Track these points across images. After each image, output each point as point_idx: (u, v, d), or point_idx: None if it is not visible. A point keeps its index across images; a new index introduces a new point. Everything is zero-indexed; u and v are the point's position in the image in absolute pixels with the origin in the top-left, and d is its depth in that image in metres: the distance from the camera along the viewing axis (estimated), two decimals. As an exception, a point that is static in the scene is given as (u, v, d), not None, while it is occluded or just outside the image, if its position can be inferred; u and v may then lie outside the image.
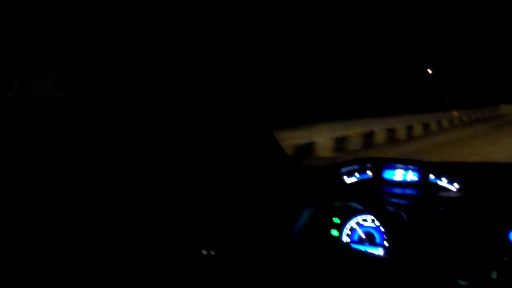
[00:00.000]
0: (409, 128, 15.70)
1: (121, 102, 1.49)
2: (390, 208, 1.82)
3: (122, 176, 1.58)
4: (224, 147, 1.83)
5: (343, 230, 1.96)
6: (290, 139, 9.51)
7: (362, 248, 1.89)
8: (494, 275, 1.58)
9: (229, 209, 1.83)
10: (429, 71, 31.76)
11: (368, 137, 12.91)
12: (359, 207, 1.92)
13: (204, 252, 1.59)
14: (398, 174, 2.06)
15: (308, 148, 10.47)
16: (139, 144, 1.62)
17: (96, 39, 1.14)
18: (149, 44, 1.32)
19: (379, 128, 13.87)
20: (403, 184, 2.04)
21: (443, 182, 1.96)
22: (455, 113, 19.96)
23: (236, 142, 1.86)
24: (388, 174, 2.08)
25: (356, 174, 2.12)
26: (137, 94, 1.44)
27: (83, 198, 1.48)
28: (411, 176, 2.04)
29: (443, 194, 1.94)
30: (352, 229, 1.95)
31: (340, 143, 11.84)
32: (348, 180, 2.12)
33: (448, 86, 30.75)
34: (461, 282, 1.62)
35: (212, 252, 1.58)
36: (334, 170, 2.13)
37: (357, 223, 1.94)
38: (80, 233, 1.46)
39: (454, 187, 1.93)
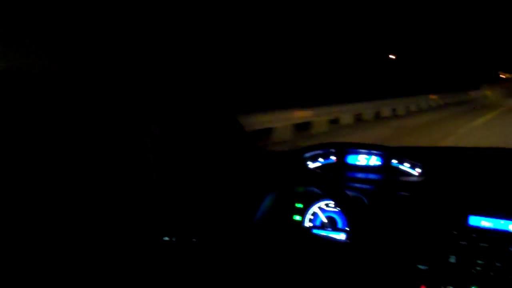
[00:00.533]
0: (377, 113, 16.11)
1: (73, 93, 1.47)
2: (352, 193, 1.84)
3: (74, 167, 1.56)
4: (182, 132, 1.82)
5: (305, 215, 1.98)
6: (251, 124, 9.47)
7: (324, 233, 1.91)
8: (452, 259, 1.62)
9: (190, 196, 1.82)
10: (392, 56, 32.23)
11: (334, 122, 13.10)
12: (321, 192, 1.92)
13: (166, 238, 1.60)
14: (362, 159, 2.09)
15: (267, 133, 10.51)
16: (87, 136, 1.60)
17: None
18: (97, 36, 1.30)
19: (346, 114, 14.22)
20: (366, 168, 2.07)
21: (405, 167, 2.00)
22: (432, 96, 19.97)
23: (195, 127, 1.85)
24: (351, 159, 2.10)
25: (320, 159, 2.13)
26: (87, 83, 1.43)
27: (36, 188, 1.46)
28: (374, 161, 2.06)
29: (405, 178, 1.97)
30: (314, 214, 1.97)
31: (301, 129, 11.94)
32: (312, 165, 2.14)
33: (414, 71, 31.15)
34: (420, 267, 1.65)
35: (174, 239, 1.58)
36: (298, 155, 2.14)
37: (320, 208, 1.96)
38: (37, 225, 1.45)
39: (416, 171, 1.97)
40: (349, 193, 1.83)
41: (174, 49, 1.75)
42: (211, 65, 1.98)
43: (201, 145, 1.91)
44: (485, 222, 1.62)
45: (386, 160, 2.05)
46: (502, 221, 1.60)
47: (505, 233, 1.59)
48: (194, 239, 1.61)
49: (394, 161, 2.03)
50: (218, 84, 1.94)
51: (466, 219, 1.65)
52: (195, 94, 1.83)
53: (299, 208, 1.99)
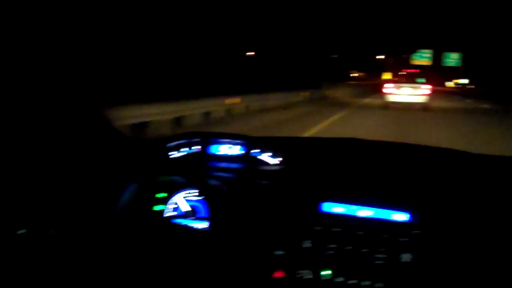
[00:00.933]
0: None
1: None
2: (214, 181, 1.89)
3: None
4: (37, 122, 1.74)
5: (167, 205, 1.98)
6: (127, 118, 9.66)
7: (186, 222, 1.92)
8: (307, 244, 1.71)
9: (45, 186, 1.74)
10: (251, 53, 32.95)
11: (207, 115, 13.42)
12: (184, 181, 1.96)
13: (22, 231, 1.52)
14: (224, 149, 2.14)
15: (145, 127, 10.58)
16: None
17: None
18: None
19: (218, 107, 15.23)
20: (228, 158, 2.12)
21: (266, 156, 2.08)
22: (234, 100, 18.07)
23: (52, 117, 1.78)
24: (214, 149, 2.15)
25: (184, 149, 2.15)
26: None
27: None
28: (236, 150, 2.13)
29: (265, 167, 2.06)
30: (177, 204, 1.97)
31: (178, 122, 12.23)
32: (176, 154, 2.15)
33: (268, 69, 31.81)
34: (277, 252, 1.72)
35: (26, 231, 1.51)
36: (161, 145, 2.14)
37: (183, 198, 1.97)
38: None
39: (276, 161, 2.06)
40: (212, 182, 1.88)
41: (38, 44, 1.69)
42: (79, 60, 1.94)
43: (58, 135, 1.84)
44: (337, 208, 1.73)
45: (247, 149, 2.12)
46: (352, 207, 1.72)
47: (354, 218, 1.71)
48: (52, 231, 1.56)
49: (255, 151, 2.11)
50: (84, 77, 1.89)
51: (320, 206, 1.74)
52: (53, 86, 1.77)
53: (162, 198, 1.98)
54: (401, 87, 21.31)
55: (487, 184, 1.82)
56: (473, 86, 79.83)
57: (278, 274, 1.70)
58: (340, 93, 33.59)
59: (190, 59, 21.12)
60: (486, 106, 27.74)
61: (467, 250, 1.59)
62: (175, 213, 1.97)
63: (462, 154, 2.13)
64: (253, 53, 33.27)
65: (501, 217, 1.63)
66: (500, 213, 1.64)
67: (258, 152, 2.11)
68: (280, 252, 1.72)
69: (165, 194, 1.98)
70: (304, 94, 25.37)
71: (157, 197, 1.97)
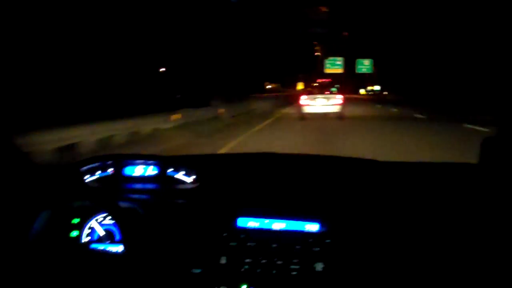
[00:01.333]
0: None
1: None
2: (127, 204, 1.88)
3: None
4: None
5: (83, 230, 1.97)
6: (51, 142, 9.50)
7: (102, 246, 1.91)
8: (223, 260, 1.74)
9: None
10: (163, 69, 32.56)
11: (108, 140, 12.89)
12: (96, 205, 1.94)
13: None
14: (138, 170, 2.15)
15: (71, 149, 10.33)
16: None
17: None
18: None
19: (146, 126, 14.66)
20: (143, 179, 2.14)
21: (180, 175, 2.11)
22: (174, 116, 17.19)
23: None
24: (128, 170, 2.16)
25: (97, 172, 2.15)
26: None
27: None
28: (151, 171, 2.15)
29: (181, 186, 2.08)
30: (92, 229, 1.96)
31: (104, 143, 11.89)
32: (89, 178, 2.14)
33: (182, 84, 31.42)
34: (195, 270, 1.74)
35: None
36: (74, 169, 2.12)
37: (98, 222, 1.96)
38: None
39: (191, 179, 2.09)
40: (125, 204, 1.87)
41: None
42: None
43: None
44: (252, 223, 1.78)
45: (162, 169, 2.14)
46: (266, 221, 1.78)
47: (269, 231, 1.77)
48: None
49: (170, 170, 2.13)
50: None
51: (235, 221, 1.79)
52: None
53: (76, 224, 1.97)
54: (315, 98, 21.96)
55: (393, 190, 1.94)
56: (386, 93, 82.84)
57: None
58: (241, 109, 27.34)
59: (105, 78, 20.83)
60: (395, 110, 29.75)
61: (375, 255, 1.68)
62: (89, 238, 1.95)
63: (369, 163, 2.26)
64: (164, 68, 32.98)
65: (407, 222, 1.73)
66: (406, 218, 1.75)
67: (173, 171, 2.13)
68: (198, 270, 1.75)
69: (78, 220, 1.96)
70: (175, 118, 17.27)
71: (73, 223, 1.96)
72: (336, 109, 21.54)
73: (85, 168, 2.13)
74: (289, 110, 29.40)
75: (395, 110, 29.95)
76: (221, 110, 22.51)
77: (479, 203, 1.74)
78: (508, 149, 1.61)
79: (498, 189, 1.69)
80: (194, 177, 2.10)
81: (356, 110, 27.85)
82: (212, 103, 23.62)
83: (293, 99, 35.93)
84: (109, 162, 2.17)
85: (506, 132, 1.64)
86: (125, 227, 1.71)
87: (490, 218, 1.66)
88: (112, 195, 1.96)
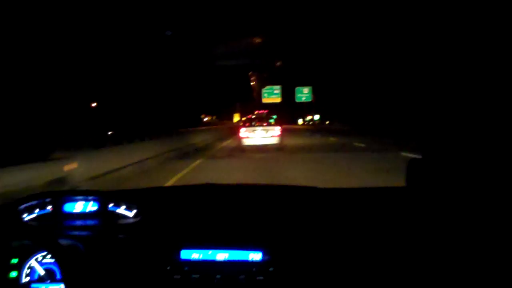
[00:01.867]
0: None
1: None
2: (68, 241, 1.88)
3: None
4: None
5: (22, 270, 1.95)
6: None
7: (43, 286, 1.90)
8: None
9: None
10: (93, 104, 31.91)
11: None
12: (34, 244, 1.92)
13: None
14: (79, 206, 2.15)
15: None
16: None
17: None
18: None
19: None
20: (84, 215, 2.13)
21: (121, 210, 2.13)
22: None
23: None
24: (68, 207, 2.15)
25: (36, 210, 2.13)
26: None
27: None
28: (91, 207, 2.15)
29: (122, 221, 2.10)
30: (32, 268, 1.95)
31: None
32: (28, 217, 2.12)
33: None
34: None
35: None
36: (12, 208, 2.10)
37: (38, 261, 1.95)
38: None
39: (132, 213, 2.11)
40: (65, 241, 1.87)
41: None
42: None
43: None
44: (196, 254, 1.82)
45: (102, 205, 2.14)
46: (209, 252, 1.82)
47: (212, 262, 1.81)
48: None
49: (111, 205, 2.14)
50: None
51: (179, 254, 1.83)
52: None
53: (15, 264, 1.94)
54: (254, 130, 22.28)
55: (332, 216, 2.03)
56: (328, 122, 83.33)
57: None
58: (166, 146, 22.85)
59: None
60: (333, 139, 30.36)
61: (317, 280, 1.74)
62: (28, 278, 1.94)
63: (309, 190, 2.36)
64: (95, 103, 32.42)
65: (346, 246, 1.82)
66: (345, 243, 1.83)
67: (114, 206, 2.14)
68: None
69: (17, 260, 1.94)
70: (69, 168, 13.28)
71: (11, 264, 1.93)
72: (274, 140, 21.92)
73: (23, 206, 2.11)
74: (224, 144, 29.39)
75: (333, 139, 30.55)
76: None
77: (407, 223, 1.85)
78: (432, 170, 1.73)
79: (424, 208, 1.81)
80: (135, 211, 2.11)
81: (295, 141, 28.23)
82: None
83: (230, 132, 36.06)
84: (48, 200, 2.15)
85: (429, 154, 1.77)
86: (65, 265, 1.69)
87: (418, 237, 1.76)
88: (52, 233, 1.94)
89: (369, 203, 2.15)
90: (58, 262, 1.71)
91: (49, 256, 1.94)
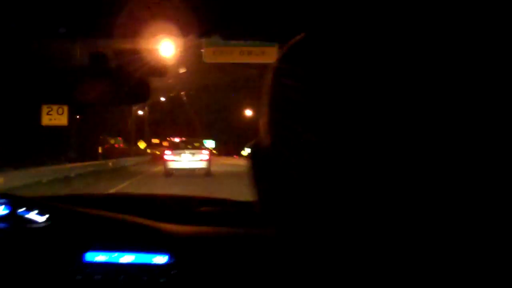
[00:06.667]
0: None
1: None
2: None
3: None
4: None
5: None
6: None
7: None
8: None
9: None
10: None
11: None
12: None
13: None
14: None
15: None
16: None
17: None
18: None
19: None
20: None
21: (32, 215, 2.24)
22: None
23: None
24: None
25: None
26: None
27: None
28: (1, 210, 2.25)
29: (33, 226, 2.22)
30: None
31: None
32: None
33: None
34: None
35: None
36: None
37: None
38: None
39: (43, 218, 2.23)
40: None
41: None
42: None
43: None
44: (100, 257, 2.00)
45: (12, 208, 2.26)
46: (114, 254, 2.00)
47: (116, 264, 2.00)
48: None
49: (20, 210, 2.25)
50: None
51: (82, 256, 2.00)
52: None
53: None
54: (180, 153, 22.61)
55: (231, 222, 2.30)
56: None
57: None
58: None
59: None
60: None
61: (220, 282, 1.97)
62: None
63: (219, 201, 2.67)
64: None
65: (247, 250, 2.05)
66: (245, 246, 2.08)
67: (24, 211, 2.25)
68: None
69: None
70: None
71: None
72: (202, 164, 22.53)
73: None
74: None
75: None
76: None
77: None
78: None
79: None
80: (47, 216, 2.23)
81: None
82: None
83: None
84: None
85: None
86: None
87: None
88: None
89: None
90: None
91: None
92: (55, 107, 11.38)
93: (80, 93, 1.98)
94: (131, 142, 52.15)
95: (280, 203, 0.73)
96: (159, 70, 1.92)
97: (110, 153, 39.01)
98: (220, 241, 2.14)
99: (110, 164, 29.38)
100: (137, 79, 1.94)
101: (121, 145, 54.21)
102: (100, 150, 36.11)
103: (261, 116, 0.74)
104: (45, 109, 11.71)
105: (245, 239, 2.16)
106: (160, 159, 26.54)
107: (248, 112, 66.30)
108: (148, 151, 58.40)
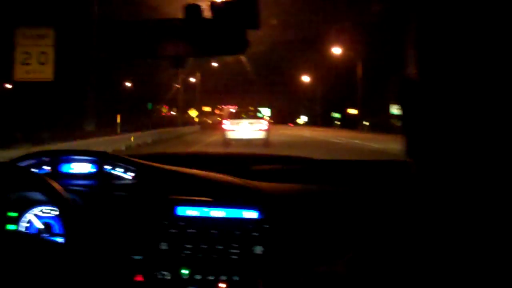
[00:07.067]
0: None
1: None
2: (69, 195, 1.98)
3: None
4: None
5: (20, 223, 2.14)
6: None
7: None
8: (164, 246, 2.02)
9: None
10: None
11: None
12: (35, 198, 2.12)
13: None
14: (76, 167, 2.33)
15: None
16: None
17: None
18: None
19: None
20: (81, 176, 2.31)
21: (118, 172, 2.31)
22: None
23: None
24: (65, 168, 2.32)
25: (33, 169, 2.27)
26: None
27: None
28: (88, 168, 2.33)
29: (119, 182, 2.29)
30: (30, 222, 2.14)
31: None
32: None
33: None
34: (135, 257, 2.01)
35: None
36: (10, 165, 2.21)
37: (36, 215, 2.14)
38: None
39: (129, 175, 2.29)
40: (66, 195, 1.96)
41: None
42: None
43: None
44: (191, 211, 2.05)
45: (100, 166, 2.33)
46: (205, 209, 2.05)
47: (208, 218, 2.04)
48: None
49: (107, 167, 2.32)
50: None
51: (174, 210, 2.05)
52: None
53: (13, 217, 2.13)
54: (239, 122, 22.53)
55: (329, 183, 2.30)
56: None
57: (139, 277, 1.97)
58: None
59: None
60: None
61: (310, 238, 2.01)
62: (28, 232, 2.13)
63: (304, 160, 2.64)
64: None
65: (339, 210, 2.08)
66: (338, 207, 2.10)
67: (111, 169, 2.32)
68: (139, 257, 2.00)
69: (16, 214, 2.14)
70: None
71: (9, 216, 2.13)
72: (261, 135, 22.20)
73: (21, 163, 2.28)
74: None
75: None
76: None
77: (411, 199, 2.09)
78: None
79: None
80: (133, 174, 2.29)
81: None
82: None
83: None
84: (45, 159, 2.32)
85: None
86: (68, 218, 1.87)
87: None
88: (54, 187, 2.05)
89: (364, 175, 2.41)
90: (62, 212, 1.88)
91: (46, 210, 2.14)
92: (34, 53, 7.85)
93: (177, 46, 1.96)
94: (180, 110, 50.80)
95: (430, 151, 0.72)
96: (254, 22, 1.88)
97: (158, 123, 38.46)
98: (306, 198, 2.18)
99: (164, 133, 29.00)
100: (234, 30, 1.90)
101: (168, 113, 54.35)
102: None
103: (409, 48, 0.73)
104: (19, 55, 7.85)
105: (327, 195, 2.21)
106: (212, 128, 26.45)
107: (306, 78, 62.72)
108: (196, 119, 55.43)
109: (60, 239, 2.08)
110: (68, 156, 2.36)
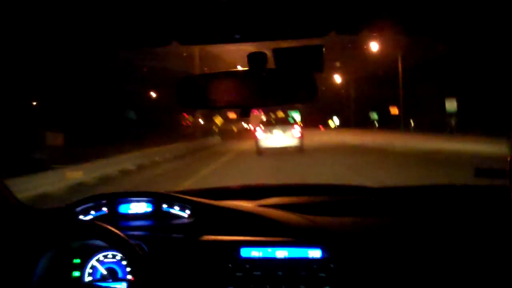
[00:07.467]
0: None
1: None
2: (133, 241, 2.00)
3: None
4: None
5: (84, 270, 2.15)
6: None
7: (105, 285, 2.10)
8: None
9: None
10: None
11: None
12: (98, 244, 2.12)
13: None
14: (133, 207, 2.35)
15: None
16: None
17: None
18: None
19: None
20: (139, 216, 2.33)
21: (175, 210, 2.31)
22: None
23: None
24: (123, 208, 2.34)
25: (92, 212, 2.32)
26: None
27: None
28: (145, 207, 2.34)
29: (177, 221, 2.28)
30: (94, 268, 2.15)
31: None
32: (84, 218, 2.30)
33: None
34: None
35: None
36: (69, 211, 2.30)
37: (99, 261, 2.15)
38: None
39: (186, 213, 2.29)
40: (130, 241, 1.98)
41: None
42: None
43: None
44: (255, 252, 2.01)
45: (156, 206, 2.34)
46: (269, 250, 2.00)
47: (273, 259, 1.99)
48: None
49: (164, 206, 2.33)
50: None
51: (238, 252, 2.01)
52: None
53: (77, 264, 2.15)
54: (272, 130, 22.45)
55: (391, 214, 2.25)
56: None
57: None
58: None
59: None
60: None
61: (379, 277, 1.94)
62: (91, 278, 2.16)
63: (360, 189, 2.60)
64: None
65: (407, 245, 2.02)
66: (407, 242, 2.03)
67: (167, 207, 2.32)
68: None
69: (79, 260, 2.16)
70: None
71: (74, 263, 2.14)
72: (295, 142, 22.17)
73: (79, 208, 2.31)
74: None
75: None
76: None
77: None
78: None
79: None
80: (189, 212, 2.30)
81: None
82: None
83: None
84: (103, 201, 2.35)
85: None
86: (134, 263, 1.88)
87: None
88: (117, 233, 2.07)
89: (432, 203, 2.37)
90: (129, 260, 1.89)
91: (109, 256, 2.15)
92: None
93: (245, 97, 1.97)
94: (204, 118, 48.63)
95: None
96: (319, 65, 1.87)
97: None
98: (372, 233, 2.11)
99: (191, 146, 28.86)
100: (303, 77, 1.89)
101: (189, 123, 53.60)
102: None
103: None
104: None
105: (393, 228, 2.14)
106: (238, 137, 26.23)
107: (338, 79, 60.32)
108: (215, 129, 54.03)
109: (124, 285, 2.13)
110: (125, 197, 2.38)
